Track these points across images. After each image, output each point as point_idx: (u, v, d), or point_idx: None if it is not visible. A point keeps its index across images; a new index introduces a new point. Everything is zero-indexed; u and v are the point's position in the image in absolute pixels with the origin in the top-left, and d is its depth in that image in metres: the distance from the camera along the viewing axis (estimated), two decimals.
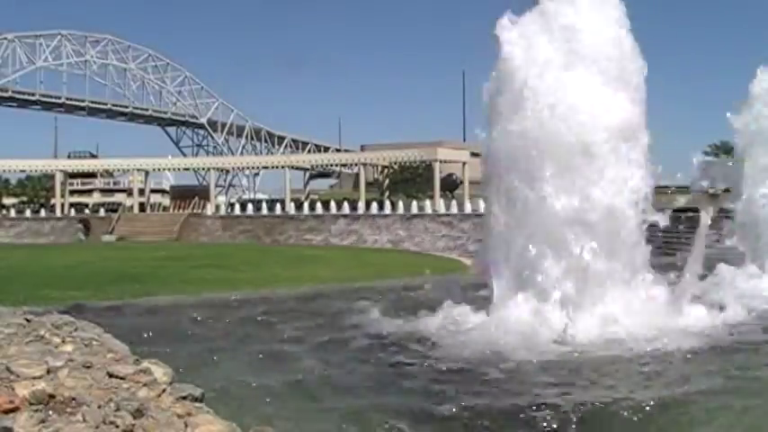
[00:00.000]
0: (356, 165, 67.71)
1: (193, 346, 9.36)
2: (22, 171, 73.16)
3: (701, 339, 9.17)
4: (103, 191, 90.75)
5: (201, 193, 66.42)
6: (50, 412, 2.96)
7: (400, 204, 51.06)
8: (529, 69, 11.12)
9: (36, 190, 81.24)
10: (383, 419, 6.30)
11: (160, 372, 3.57)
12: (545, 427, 5.97)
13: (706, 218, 11.69)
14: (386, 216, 49.35)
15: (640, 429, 6.23)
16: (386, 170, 66.91)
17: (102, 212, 63.39)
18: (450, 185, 63.78)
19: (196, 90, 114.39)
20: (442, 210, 49.56)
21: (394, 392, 7.40)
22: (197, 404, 3.32)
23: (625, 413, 6.32)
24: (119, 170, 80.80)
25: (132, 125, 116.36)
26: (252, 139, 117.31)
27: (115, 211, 63.99)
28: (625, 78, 11.27)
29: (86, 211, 66.10)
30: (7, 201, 77.71)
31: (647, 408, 6.41)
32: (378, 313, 11.24)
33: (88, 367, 3.55)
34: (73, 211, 63.87)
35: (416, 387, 7.44)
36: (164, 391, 3.36)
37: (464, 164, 60.60)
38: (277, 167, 67.91)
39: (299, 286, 18.25)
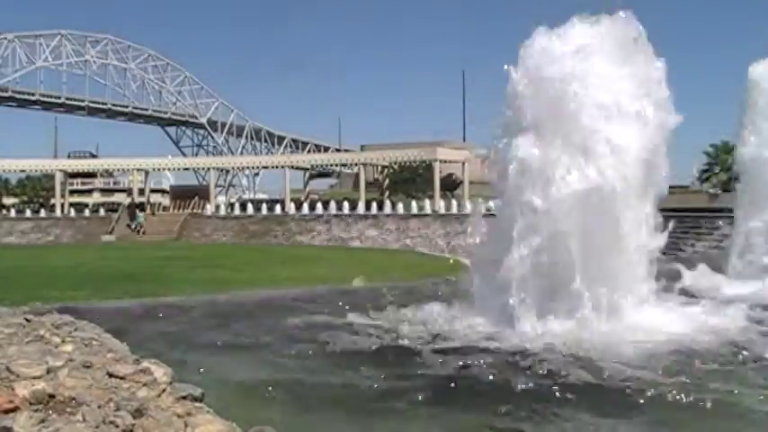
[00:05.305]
0: (356, 165, 67.57)
1: None
2: (22, 171, 73.00)
3: None
4: (103, 191, 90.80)
5: (201, 192, 66.31)
6: (50, 412, 2.96)
7: (400, 204, 51.05)
8: None
9: (36, 190, 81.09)
10: None
11: (160, 372, 3.56)
12: None
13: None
14: (386, 216, 49.34)
15: None
16: (386, 170, 66.80)
17: (102, 212, 63.33)
18: (450, 185, 63.72)
19: (196, 90, 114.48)
20: (443, 210, 49.52)
21: None
22: (197, 404, 3.32)
23: None
24: (119, 170, 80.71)
25: (132, 125, 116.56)
26: (252, 139, 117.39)
27: (115, 210, 63.88)
28: None
29: (86, 211, 65.83)
30: (7, 201, 77.60)
31: None
32: None
33: (88, 367, 3.55)
34: (73, 211, 63.68)
35: None
36: (163, 390, 3.35)
37: (464, 164, 60.52)
38: (277, 167, 67.79)
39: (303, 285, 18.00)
